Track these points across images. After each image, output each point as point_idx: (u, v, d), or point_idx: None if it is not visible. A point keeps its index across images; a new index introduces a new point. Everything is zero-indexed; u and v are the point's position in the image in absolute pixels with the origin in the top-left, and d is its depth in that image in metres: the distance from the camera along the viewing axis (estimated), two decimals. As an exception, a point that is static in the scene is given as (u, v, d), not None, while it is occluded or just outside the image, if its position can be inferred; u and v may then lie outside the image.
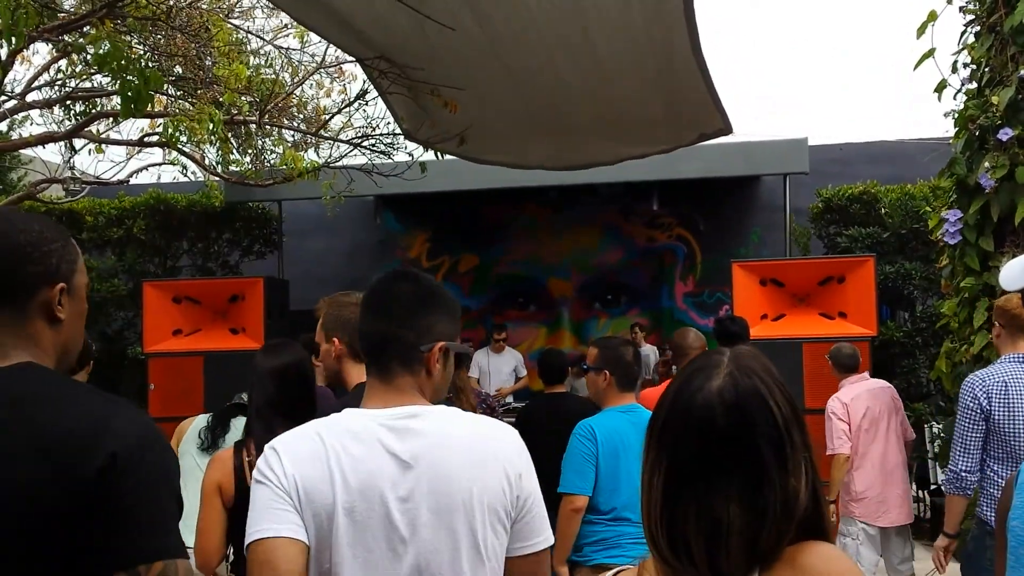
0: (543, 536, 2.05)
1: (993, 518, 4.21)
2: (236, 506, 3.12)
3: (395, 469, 1.92)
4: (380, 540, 1.90)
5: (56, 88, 8.77)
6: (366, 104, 7.81)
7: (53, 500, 1.51)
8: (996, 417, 4.25)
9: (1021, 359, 4.29)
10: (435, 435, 1.97)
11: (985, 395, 4.27)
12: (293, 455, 1.91)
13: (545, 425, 5.76)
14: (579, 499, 4.24)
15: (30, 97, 8.56)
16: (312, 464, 1.89)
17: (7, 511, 1.51)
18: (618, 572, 1.58)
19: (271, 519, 1.86)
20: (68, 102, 8.46)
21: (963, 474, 4.35)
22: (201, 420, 4.87)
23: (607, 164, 6.19)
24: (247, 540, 1.86)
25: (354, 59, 4.83)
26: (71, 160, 9.73)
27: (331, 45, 6.50)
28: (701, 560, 1.33)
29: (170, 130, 6.34)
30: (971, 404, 4.32)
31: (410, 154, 7.90)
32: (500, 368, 10.28)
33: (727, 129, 5.11)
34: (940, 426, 8.15)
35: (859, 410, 5.98)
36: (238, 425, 5.02)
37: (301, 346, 3.45)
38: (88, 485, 1.51)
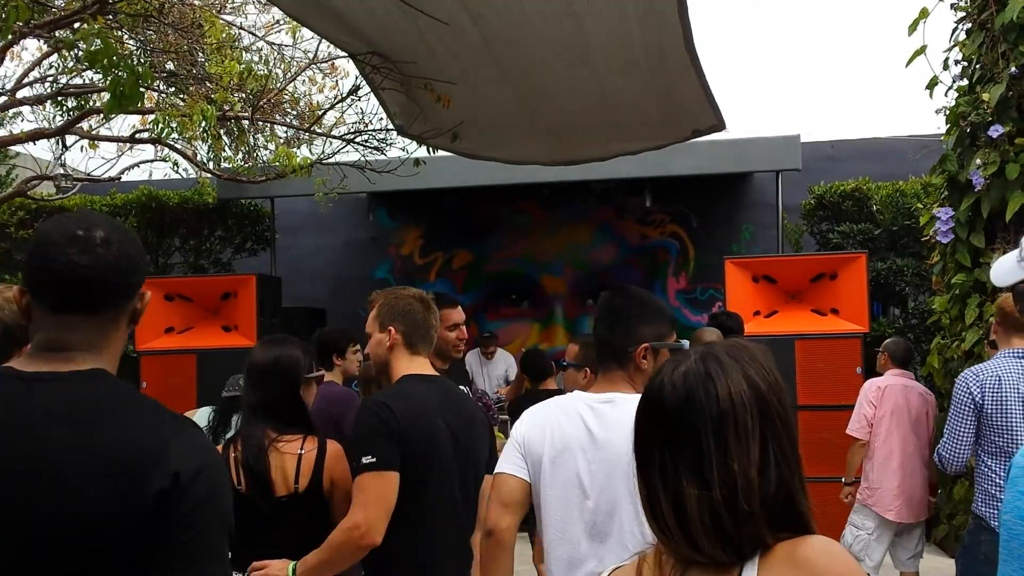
0: None
1: (988, 514, 4.26)
2: None
3: (586, 438, 2.64)
4: (571, 486, 2.62)
5: (47, 84, 8.75)
6: (359, 99, 7.80)
7: (111, 521, 1.49)
8: (988, 410, 4.30)
9: (1015, 354, 4.33)
10: (619, 419, 2.57)
11: (979, 389, 4.32)
12: (528, 421, 2.74)
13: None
14: None
15: (21, 93, 8.53)
16: (536, 427, 2.71)
17: (64, 527, 1.49)
18: (615, 569, 1.59)
19: (506, 460, 2.73)
20: (59, 98, 8.43)
21: (947, 460, 4.51)
22: (202, 415, 4.87)
23: (600, 160, 6.19)
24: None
25: (346, 55, 4.82)
26: (62, 157, 9.71)
27: (323, 40, 6.49)
28: (676, 534, 1.40)
29: (160, 124, 6.30)
30: (964, 398, 4.38)
31: (404, 149, 7.90)
32: (492, 373, 10.31)
33: (720, 125, 5.12)
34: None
35: (890, 398, 6.00)
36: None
37: (295, 342, 3.43)
38: (146, 507, 1.49)
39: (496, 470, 2.75)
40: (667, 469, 1.41)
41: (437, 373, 3.23)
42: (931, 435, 6.08)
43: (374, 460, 2.86)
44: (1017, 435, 4.27)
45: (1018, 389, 4.28)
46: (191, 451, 1.57)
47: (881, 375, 6.22)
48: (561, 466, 2.63)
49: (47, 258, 1.61)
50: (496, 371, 10.34)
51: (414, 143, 6.58)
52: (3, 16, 4.30)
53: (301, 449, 3.14)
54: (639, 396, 2.40)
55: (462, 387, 4.94)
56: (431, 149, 6.02)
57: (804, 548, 1.37)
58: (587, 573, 2.56)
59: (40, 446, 1.53)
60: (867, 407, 6.04)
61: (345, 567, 2.96)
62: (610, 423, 2.60)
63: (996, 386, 4.30)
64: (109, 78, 4.48)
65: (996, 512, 4.26)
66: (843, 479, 6.27)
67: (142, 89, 4.60)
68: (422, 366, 3.18)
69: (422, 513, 2.98)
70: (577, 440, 2.63)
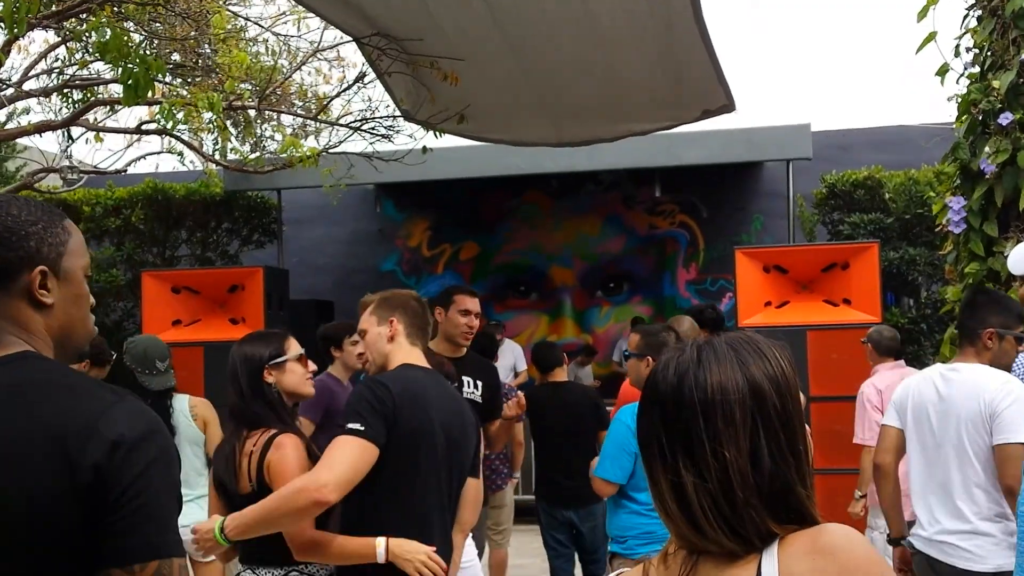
0: (1006, 434, 3.46)
1: None
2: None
3: (936, 398, 3.71)
4: (926, 433, 3.73)
5: (54, 76, 8.72)
6: (364, 86, 7.75)
7: (52, 496, 1.48)
8: None
9: None
10: (960, 381, 3.64)
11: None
12: (902, 386, 3.98)
13: (550, 412, 5.83)
14: (610, 486, 4.28)
15: (27, 85, 8.51)
16: (903, 390, 3.93)
17: (7, 508, 1.48)
18: (621, 573, 1.59)
19: (888, 416, 4.04)
20: (66, 90, 8.40)
21: None
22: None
23: (609, 140, 6.13)
24: None
25: (351, 39, 4.76)
26: (68, 149, 9.68)
27: (328, 28, 6.44)
28: (679, 518, 1.40)
29: (166, 115, 6.27)
30: None
31: (411, 136, 7.84)
32: (500, 363, 10.16)
33: (731, 106, 5.04)
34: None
35: (891, 398, 5.86)
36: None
37: (260, 335, 3.42)
38: (85, 480, 1.48)
39: (882, 422, 4.08)
40: (665, 454, 1.41)
41: (430, 368, 3.23)
42: None
43: (360, 428, 2.81)
44: None
45: None
46: (129, 421, 1.54)
47: (873, 368, 6.12)
48: (917, 417, 3.76)
49: None
50: (504, 362, 10.21)
51: (421, 132, 6.54)
52: (15, 9, 4.27)
53: (254, 445, 3.10)
54: (981, 366, 3.65)
55: (467, 378, 4.90)
56: (437, 134, 5.97)
57: (826, 535, 1.36)
58: (932, 476, 3.70)
59: None
60: (873, 412, 5.89)
61: (289, 523, 2.85)
62: (954, 384, 3.65)
63: None
64: (120, 69, 4.46)
65: None
66: (856, 492, 6.11)
67: (153, 80, 4.56)
68: (420, 358, 3.17)
69: (412, 501, 2.93)
70: (929, 399, 3.72)
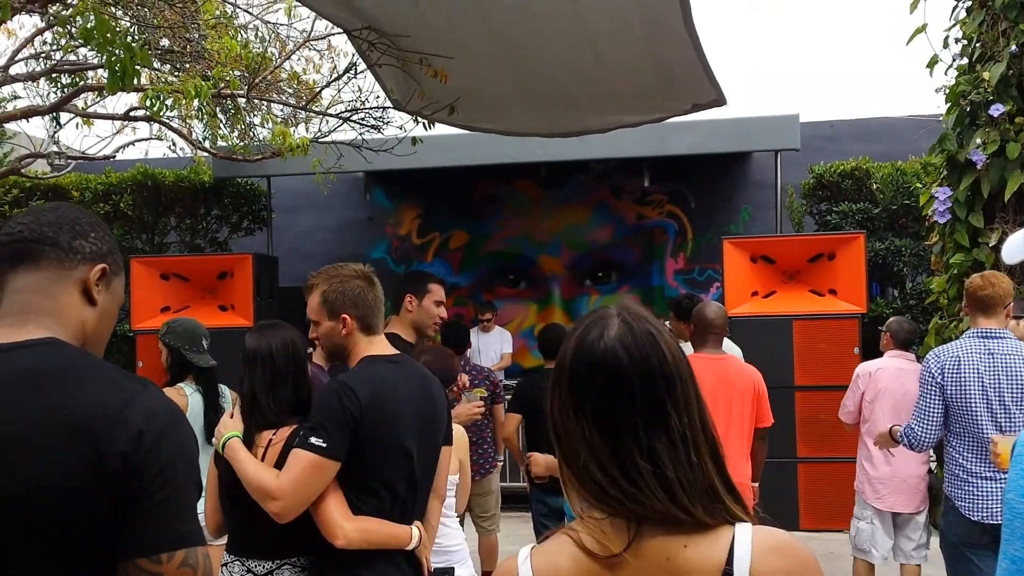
0: None
1: (954, 494, 4.30)
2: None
3: None
4: None
5: (41, 60, 8.68)
6: (355, 77, 7.75)
7: (77, 484, 1.49)
8: (949, 392, 4.32)
9: (979, 334, 4.35)
10: None
11: (939, 370, 4.35)
12: None
13: (542, 398, 5.74)
14: None
15: (14, 70, 8.47)
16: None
17: (31, 495, 1.49)
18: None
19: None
20: (54, 75, 8.37)
21: (914, 438, 4.48)
22: (195, 404, 4.85)
23: (600, 131, 6.15)
24: None
25: (341, 30, 4.77)
26: (56, 134, 9.64)
27: (319, 18, 6.43)
28: (659, 494, 1.38)
29: (151, 100, 6.23)
30: (927, 378, 4.43)
31: (401, 127, 7.84)
32: (489, 346, 10.21)
33: (721, 100, 5.07)
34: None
35: (878, 383, 5.86)
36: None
37: (289, 324, 3.37)
38: (112, 468, 1.49)
39: None
40: (638, 432, 1.40)
41: (397, 351, 3.17)
42: None
43: (324, 446, 2.79)
44: (978, 417, 4.27)
45: (978, 371, 4.28)
46: (154, 410, 1.57)
47: (881, 355, 6.12)
48: None
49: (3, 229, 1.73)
50: (492, 344, 10.23)
51: (411, 122, 6.54)
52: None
53: (273, 435, 3.08)
54: None
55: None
56: (428, 125, 5.97)
57: (781, 536, 1.40)
58: None
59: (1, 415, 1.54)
60: (852, 393, 5.96)
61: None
62: None
63: (955, 367, 4.32)
64: (105, 56, 4.44)
65: (962, 493, 4.29)
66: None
67: (139, 67, 4.54)
68: (381, 346, 3.12)
69: (378, 495, 2.92)
70: None
